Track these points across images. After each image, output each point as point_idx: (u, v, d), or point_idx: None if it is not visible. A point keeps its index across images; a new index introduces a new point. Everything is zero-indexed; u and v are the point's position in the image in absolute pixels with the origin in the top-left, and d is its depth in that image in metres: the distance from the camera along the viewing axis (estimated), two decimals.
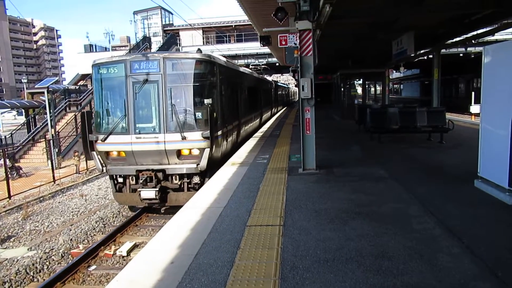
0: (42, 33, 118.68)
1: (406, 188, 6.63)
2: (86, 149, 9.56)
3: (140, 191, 9.09)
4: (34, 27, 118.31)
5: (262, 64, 37.17)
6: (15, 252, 8.59)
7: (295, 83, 43.70)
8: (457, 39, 16.35)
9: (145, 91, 9.08)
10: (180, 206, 6.29)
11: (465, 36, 15.58)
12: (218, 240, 4.58)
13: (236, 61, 30.52)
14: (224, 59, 12.45)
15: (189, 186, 9.48)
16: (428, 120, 11.99)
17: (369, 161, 9.34)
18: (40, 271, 7.61)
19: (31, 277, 7.39)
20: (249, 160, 9.82)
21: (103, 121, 9.57)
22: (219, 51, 30.98)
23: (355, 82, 25.66)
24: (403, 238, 4.42)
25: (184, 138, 8.88)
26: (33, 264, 7.77)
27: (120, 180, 9.62)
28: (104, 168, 9.52)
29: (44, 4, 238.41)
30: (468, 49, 28.54)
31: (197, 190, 8.18)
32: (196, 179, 9.39)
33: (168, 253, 4.27)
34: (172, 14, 48.75)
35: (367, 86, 25.39)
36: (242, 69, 16.27)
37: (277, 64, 36.25)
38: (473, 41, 16.65)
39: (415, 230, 4.69)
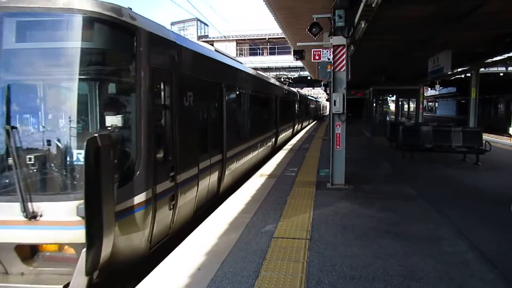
0: None
1: (437, 209, 6.45)
2: None
3: None
4: None
5: (294, 77, 37.34)
6: None
7: (326, 97, 43.52)
8: (498, 58, 15.83)
9: None
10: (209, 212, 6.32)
11: (507, 55, 15.06)
12: (244, 250, 4.63)
13: (268, 73, 30.57)
14: (175, 32, 6.35)
15: None
16: (464, 140, 11.63)
17: (400, 179, 9.15)
18: None
19: None
20: (277, 173, 9.84)
21: None
22: (252, 63, 31.33)
23: (388, 98, 25.29)
24: (433, 260, 4.31)
25: (33, 216, 3.89)
26: None
27: None
28: None
29: None
30: (510, 68, 27.51)
31: None
32: None
33: (195, 259, 4.36)
34: (207, 25, 50.02)
35: (400, 103, 24.95)
36: (227, 59, 9.22)
37: (309, 77, 36.31)
38: None
39: (446, 252, 4.57)
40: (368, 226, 5.54)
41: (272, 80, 16.78)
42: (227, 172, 7.99)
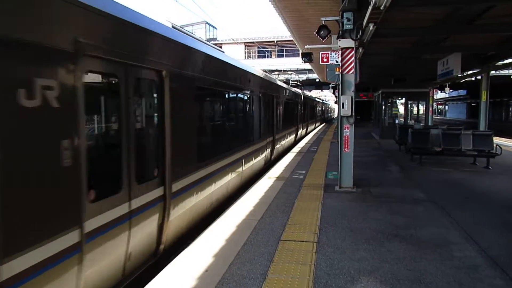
0: None
1: (447, 213, 6.39)
2: None
3: None
4: None
5: (302, 80, 37.34)
6: None
7: (335, 99, 43.43)
8: (509, 60, 15.67)
9: None
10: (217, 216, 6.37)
11: None
12: (252, 252, 4.64)
13: (276, 75, 30.45)
14: None
15: None
16: (474, 143, 11.51)
17: (409, 182, 9.08)
18: None
19: None
20: (286, 175, 9.84)
21: None
22: (260, 66, 31.29)
23: (397, 100, 25.13)
24: (441, 265, 4.28)
25: None
26: None
27: None
28: None
29: None
30: None
31: None
32: None
33: (203, 261, 4.38)
34: (216, 28, 50.29)
35: (409, 106, 24.78)
36: (184, 38, 5.75)
37: (317, 80, 36.27)
38: None
39: (455, 257, 4.52)
40: (376, 229, 5.51)
41: (266, 77, 13.02)
42: (175, 215, 5.13)
